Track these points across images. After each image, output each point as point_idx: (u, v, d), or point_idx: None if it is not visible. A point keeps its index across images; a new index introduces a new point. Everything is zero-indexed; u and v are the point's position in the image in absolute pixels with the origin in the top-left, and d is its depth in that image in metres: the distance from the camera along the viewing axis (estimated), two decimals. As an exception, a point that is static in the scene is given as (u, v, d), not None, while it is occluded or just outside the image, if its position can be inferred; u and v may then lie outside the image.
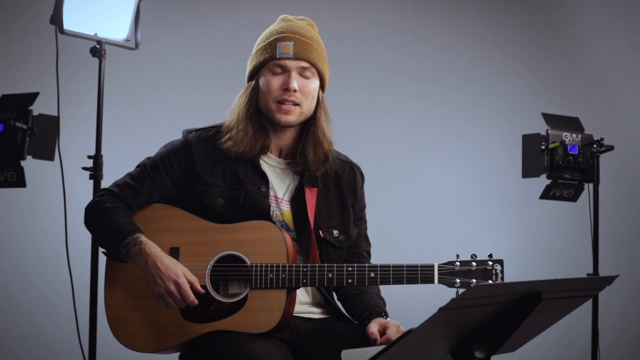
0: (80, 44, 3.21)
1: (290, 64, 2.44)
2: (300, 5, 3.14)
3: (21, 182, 3.22)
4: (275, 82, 2.44)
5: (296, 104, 2.45)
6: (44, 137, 3.21)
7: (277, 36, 2.46)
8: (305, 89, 2.46)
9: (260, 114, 2.49)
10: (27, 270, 4.20)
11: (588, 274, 3.60)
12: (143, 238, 2.37)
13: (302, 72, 2.46)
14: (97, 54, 3.19)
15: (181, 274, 2.34)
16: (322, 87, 2.53)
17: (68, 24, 3.05)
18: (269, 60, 2.45)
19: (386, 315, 2.42)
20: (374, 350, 1.76)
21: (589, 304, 3.59)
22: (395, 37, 4.72)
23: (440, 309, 1.62)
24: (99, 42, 3.20)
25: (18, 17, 4.25)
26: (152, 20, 3.53)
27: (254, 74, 2.51)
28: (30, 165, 3.20)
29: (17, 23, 4.25)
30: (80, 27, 3.12)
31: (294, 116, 2.46)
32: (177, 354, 2.52)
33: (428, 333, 1.70)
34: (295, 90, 2.43)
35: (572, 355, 4.55)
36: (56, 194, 3.17)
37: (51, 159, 3.22)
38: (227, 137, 2.48)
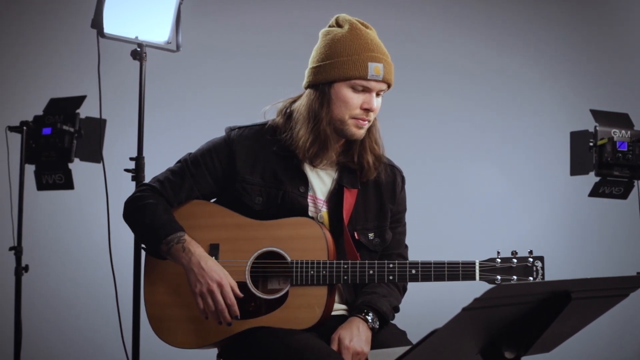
0: (121, 47, 3.24)
1: (376, 85, 2.43)
2: (347, 5, 3.11)
3: (69, 185, 3.24)
4: (357, 99, 2.42)
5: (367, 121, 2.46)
6: (91, 140, 3.23)
7: (367, 54, 2.41)
8: (378, 108, 2.47)
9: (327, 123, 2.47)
10: (72, 270, 4.28)
11: (638, 273, 3.51)
12: (187, 237, 2.39)
13: (379, 92, 2.46)
14: (137, 56, 3.23)
15: (224, 277, 2.35)
16: None
17: (108, 28, 3.08)
18: (358, 78, 2.40)
19: (369, 313, 2.40)
20: (400, 350, 1.74)
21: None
22: (445, 37, 4.68)
23: (464, 309, 1.59)
24: (140, 45, 3.23)
25: (61, 22, 4.33)
26: (193, 21, 3.55)
27: (327, 83, 2.45)
28: (74, 167, 3.24)
29: (60, 28, 4.33)
30: (120, 31, 3.15)
31: (364, 130, 2.46)
32: (216, 350, 2.54)
33: (453, 333, 1.67)
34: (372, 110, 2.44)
35: (623, 356, 4.45)
36: (99, 196, 3.21)
37: (98, 161, 3.23)
38: (292, 139, 2.47)
